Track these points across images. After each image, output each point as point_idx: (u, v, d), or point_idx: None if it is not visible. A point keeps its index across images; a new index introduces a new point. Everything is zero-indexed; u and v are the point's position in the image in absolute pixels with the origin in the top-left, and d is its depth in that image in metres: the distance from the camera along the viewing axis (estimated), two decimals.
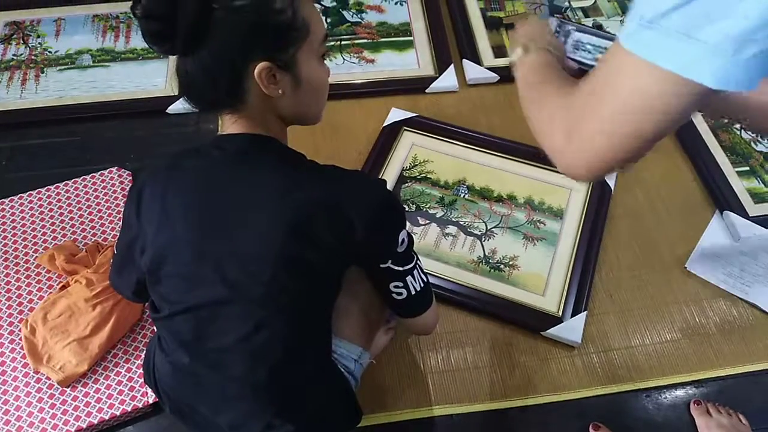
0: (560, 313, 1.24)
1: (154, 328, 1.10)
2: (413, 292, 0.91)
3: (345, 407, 0.97)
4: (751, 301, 1.27)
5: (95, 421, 1.12)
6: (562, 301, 1.26)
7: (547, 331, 1.22)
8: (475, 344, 1.23)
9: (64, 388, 1.15)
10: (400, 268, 0.89)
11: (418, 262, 0.92)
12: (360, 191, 0.85)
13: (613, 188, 1.42)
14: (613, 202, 1.41)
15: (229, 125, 0.86)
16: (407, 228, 0.90)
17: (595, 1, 1.83)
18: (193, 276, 0.83)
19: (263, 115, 0.85)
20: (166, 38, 0.75)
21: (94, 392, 1.15)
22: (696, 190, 1.44)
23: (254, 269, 0.80)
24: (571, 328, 1.22)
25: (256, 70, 0.78)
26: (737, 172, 1.45)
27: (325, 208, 0.81)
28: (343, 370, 0.96)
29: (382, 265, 0.88)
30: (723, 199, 1.40)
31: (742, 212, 1.38)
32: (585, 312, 1.24)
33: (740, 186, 1.43)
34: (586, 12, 1.81)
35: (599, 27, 1.76)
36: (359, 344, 1.01)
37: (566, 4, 1.83)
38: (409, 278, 0.90)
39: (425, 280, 0.94)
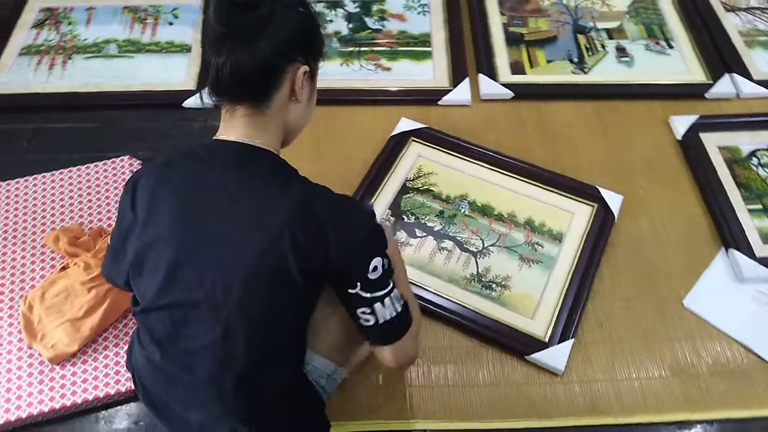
0: (547, 339, 1.23)
1: None
2: (381, 321, 0.89)
3: (313, 420, 0.98)
4: (747, 345, 1.24)
5: (79, 401, 1.15)
6: (551, 326, 1.24)
7: (532, 355, 1.21)
8: (457, 362, 1.22)
9: (54, 366, 1.19)
10: (369, 295, 0.87)
11: (394, 292, 0.90)
12: (343, 215, 0.87)
13: (616, 216, 1.39)
14: (615, 229, 1.38)
15: (227, 129, 0.88)
16: (384, 259, 0.88)
17: (621, 24, 1.80)
18: (171, 275, 0.85)
19: (273, 119, 0.88)
20: (245, 16, 0.81)
21: (81, 372, 1.18)
22: (703, 225, 1.41)
23: (229, 278, 0.82)
24: (556, 355, 1.20)
25: (299, 70, 0.86)
26: (749, 209, 1.41)
27: (306, 228, 0.82)
28: (314, 383, 0.97)
29: (350, 290, 0.87)
30: (730, 237, 1.36)
31: (749, 252, 1.33)
32: (572, 339, 1.22)
33: (750, 224, 1.38)
34: (610, 34, 1.78)
35: (622, 50, 1.73)
36: (334, 360, 1.01)
37: (591, 24, 1.80)
38: (377, 305, 0.88)
39: (399, 311, 0.91)
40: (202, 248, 0.84)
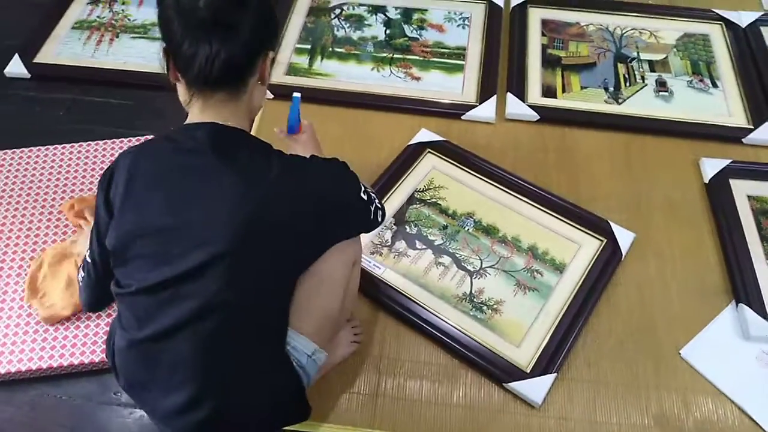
0: (529, 369, 1.20)
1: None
2: (380, 208, 1.07)
3: (294, 399, 0.99)
4: (741, 406, 1.17)
5: (65, 363, 1.20)
6: (535, 357, 1.21)
7: (510, 383, 1.18)
8: (434, 379, 1.21)
9: (48, 327, 1.24)
10: (371, 207, 1.04)
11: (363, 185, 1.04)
12: (324, 181, 0.96)
13: (624, 254, 1.35)
14: (621, 268, 1.34)
15: (200, 115, 0.91)
16: (361, 184, 1.03)
17: (666, 57, 1.74)
18: (158, 255, 0.88)
19: (244, 103, 0.94)
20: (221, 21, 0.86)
21: (72, 337, 1.23)
22: (716, 275, 1.34)
23: (214, 253, 0.85)
24: (535, 387, 1.17)
25: (268, 57, 0.94)
26: None
27: (291, 196, 0.90)
28: (295, 363, 0.98)
29: (370, 216, 1.03)
30: (743, 291, 1.29)
31: (761, 309, 1.26)
32: (554, 374, 1.19)
33: None
34: (652, 66, 1.72)
35: (662, 84, 1.67)
36: (315, 341, 1.01)
37: (634, 54, 1.74)
38: (376, 202, 1.06)
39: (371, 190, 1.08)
40: (187, 227, 0.86)
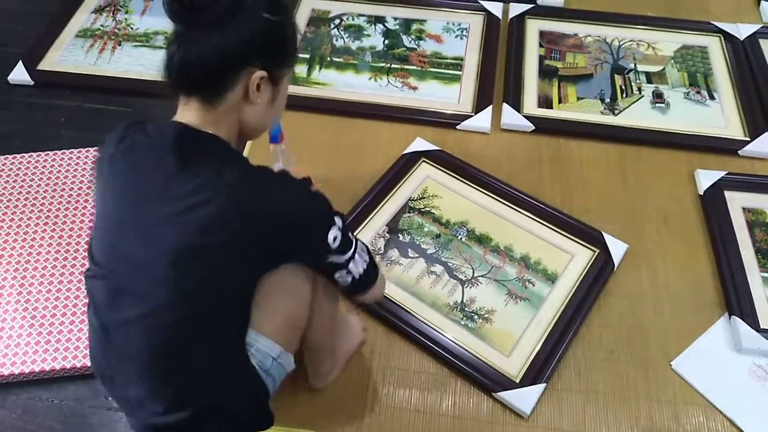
0: (518, 379, 1.20)
1: None
2: (357, 276, 0.96)
3: (253, 405, 0.96)
4: (732, 419, 1.16)
5: (57, 367, 1.22)
6: (525, 367, 1.21)
7: (500, 393, 1.18)
8: (423, 388, 1.21)
9: (41, 330, 1.25)
10: (340, 260, 0.94)
11: (358, 245, 0.96)
12: (283, 198, 0.88)
13: (617, 264, 1.34)
14: (613, 279, 1.34)
15: (181, 115, 0.89)
16: (337, 222, 0.92)
17: (663, 68, 1.74)
18: (112, 245, 0.88)
19: (226, 115, 0.89)
20: (197, 11, 0.81)
21: (65, 341, 1.24)
22: (709, 287, 1.33)
23: (160, 252, 0.84)
24: (524, 397, 1.17)
25: (254, 75, 0.87)
26: (763, 278, 1.33)
27: (243, 206, 0.84)
28: (257, 366, 0.95)
29: (323, 261, 0.93)
30: (736, 303, 1.28)
31: (753, 322, 1.25)
32: (544, 384, 1.18)
33: (761, 293, 1.30)
34: (649, 77, 1.72)
35: (659, 95, 1.67)
36: (280, 343, 0.98)
37: (631, 65, 1.75)
38: (351, 265, 0.95)
39: (367, 259, 0.98)
40: (138, 224, 0.86)
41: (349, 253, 0.95)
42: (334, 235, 0.91)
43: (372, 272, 1.00)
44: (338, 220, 0.93)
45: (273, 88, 0.93)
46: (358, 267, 0.96)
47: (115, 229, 0.88)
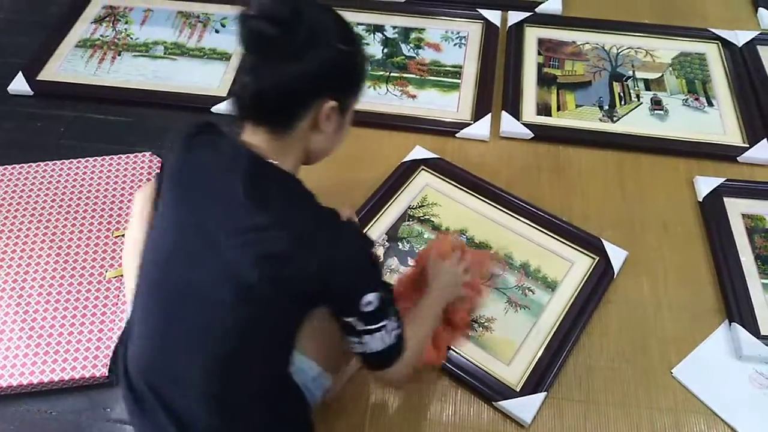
0: (519, 388, 1.19)
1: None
2: (368, 351, 0.89)
3: (297, 421, 0.98)
4: (733, 426, 1.16)
5: (55, 378, 1.21)
6: (525, 376, 1.21)
7: (500, 402, 1.17)
8: (423, 397, 1.20)
9: (39, 341, 1.25)
10: (361, 327, 0.87)
11: (388, 325, 0.89)
12: (341, 247, 0.85)
13: (617, 271, 1.34)
14: (613, 286, 1.33)
15: (249, 137, 0.87)
16: (380, 292, 0.87)
17: (661, 75, 1.74)
18: (167, 261, 0.88)
19: (294, 144, 0.88)
20: (274, 42, 0.80)
21: (64, 352, 1.24)
22: (709, 294, 1.33)
23: (218, 282, 0.83)
24: (525, 406, 1.17)
25: (326, 105, 0.85)
26: (763, 284, 1.32)
27: (302, 252, 0.82)
28: (299, 383, 0.97)
29: (345, 318, 0.88)
30: (736, 310, 1.28)
31: (754, 329, 1.25)
32: (545, 393, 1.18)
33: (761, 300, 1.30)
34: (648, 85, 1.72)
35: (657, 102, 1.68)
36: (320, 365, 1.01)
37: (629, 73, 1.75)
38: (367, 337, 0.88)
39: (389, 344, 0.90)
40: (193, 247, 0.85)
41: (373, 326, 0.88)
42: (370, 299, 0.85)
43: (386, 358, 0.92)
44: (383, 292, 0.88)
45: (341, 117, 0.91)
46: (373, 343, 0.89)
47: (171, 247, 0.87)
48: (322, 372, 1.02)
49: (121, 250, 1.38)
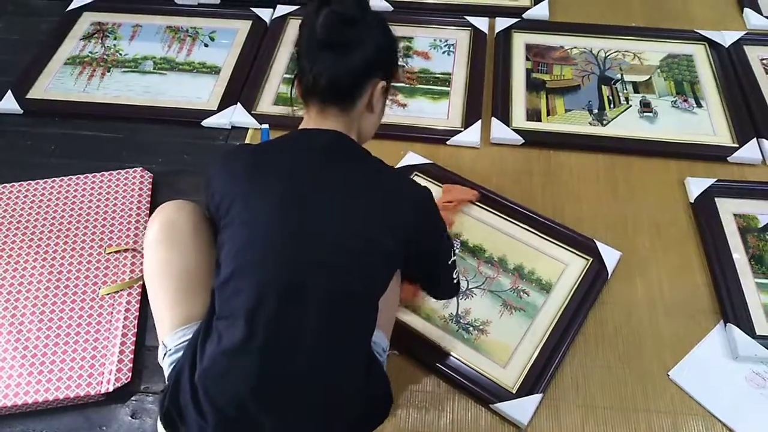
0: (515, 390, 1.19)
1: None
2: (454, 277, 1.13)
3: (387, 394, 1.05)
4: (732, 427, 1.15)
5: (50, 398, 1.20)
6: (521, 378, 1.21)
7: (496, 404, 1.17)
8: (421, 402, 1.20)
9: (33, 360, 1.24)
10: (449, 261, 1.09)
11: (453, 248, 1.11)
12: (424, 192, 1.02)
13: (610, 273, 1.34)
14: (607, 288, 1.33)
15: (317, 123, 0.99)
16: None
17: (650, 78, 1.75)
18: (275, 255, 0.90)
19: (354, 122, 1.02)
20: (347, 35, 0.96)
21: (58, 371, 1.23)
22: (704, 294, 1.33)
23: (329, 258, 0.90)
24: (521, 408, 1.17)
25: (378, 84, 1.01)
26: (758, 284, 1.33)
27: (397, 210, 0.97)
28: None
29: (441, 261, 1.08)
30: (731, 311, 1.28)
31: (749, 329, 1.25)
32: (541, 395, 1.18)
33: (756, 300, 1.30)
34: (636, 87, 1.73)
35: (646, 104, 1.68)
36: (387, 335, 1.10)
37: (618, 76, 1.76)
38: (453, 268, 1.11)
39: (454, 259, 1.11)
40: (312, 227, 0.91)
41: (453, 257, 1.10)
42: (447, 235, 1.09)
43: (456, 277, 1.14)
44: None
45: (384, 97, 1.05)
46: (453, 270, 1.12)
47: (275, 238, 0.91)
48: (388, 344, 1.08)
49: (114, 267, 1.37)
